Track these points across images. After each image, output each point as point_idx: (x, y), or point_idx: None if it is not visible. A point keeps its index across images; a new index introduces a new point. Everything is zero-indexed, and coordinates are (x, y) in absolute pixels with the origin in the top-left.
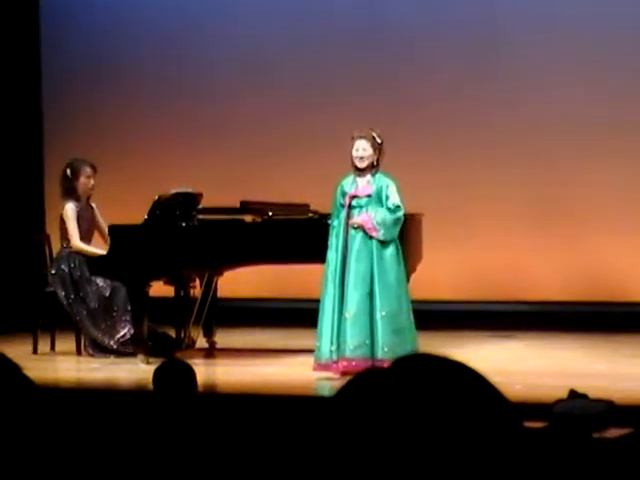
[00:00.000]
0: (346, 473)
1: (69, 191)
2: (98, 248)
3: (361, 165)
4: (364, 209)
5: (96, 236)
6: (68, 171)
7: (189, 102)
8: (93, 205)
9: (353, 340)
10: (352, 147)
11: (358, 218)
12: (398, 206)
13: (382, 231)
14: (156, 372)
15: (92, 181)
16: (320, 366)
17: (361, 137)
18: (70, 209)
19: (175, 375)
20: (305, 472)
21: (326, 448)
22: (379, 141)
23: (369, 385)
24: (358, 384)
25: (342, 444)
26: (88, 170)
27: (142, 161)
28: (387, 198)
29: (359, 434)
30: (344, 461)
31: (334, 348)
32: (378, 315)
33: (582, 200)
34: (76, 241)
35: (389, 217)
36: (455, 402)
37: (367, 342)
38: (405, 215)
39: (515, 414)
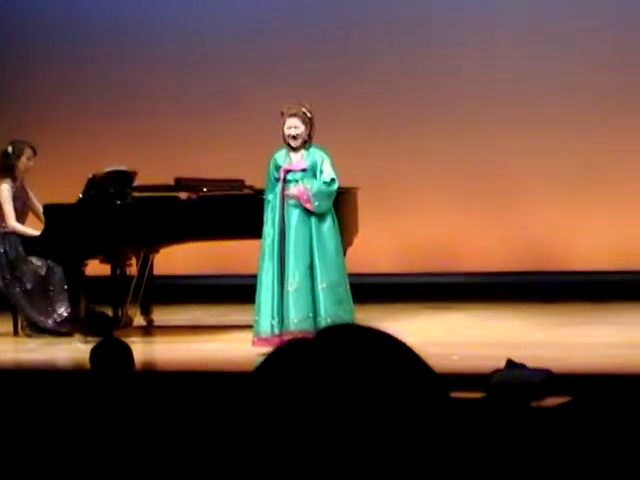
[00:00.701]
0: (270, 447)
1: (6, 169)
2: (33, 229)
3: (295, 144)
4: (299, 183)
5: (30, 217)
6: (10, 149)
7: (122, 80)
8: (28, 189)
9: (297, 313)
10: (283, 124)
11: (294, 190)
12: (333, 179)
13: (317, 203)
14: (93, 351)
15: (31, 163)
16: (260, 340)
17: (292, 114)
18: (5, 189)
19: (112, 354)
20: (232, 447)
21: (250, 422)
22: (310, 115)
23: (292, 356)
24: (281, 356)
25: (265, 417)
26: (30, 151)
27: (76, 140)
28: (322, 172)
29: (281, 406)
30: (267, 435)
31: (275, 322)
32: (319, 287)
33: (518, 170)
34: (12, 221)
35: (324, 189)
36: (380, 372)
37: (310, 315)
38: (341, 189)
39: (440, 385)
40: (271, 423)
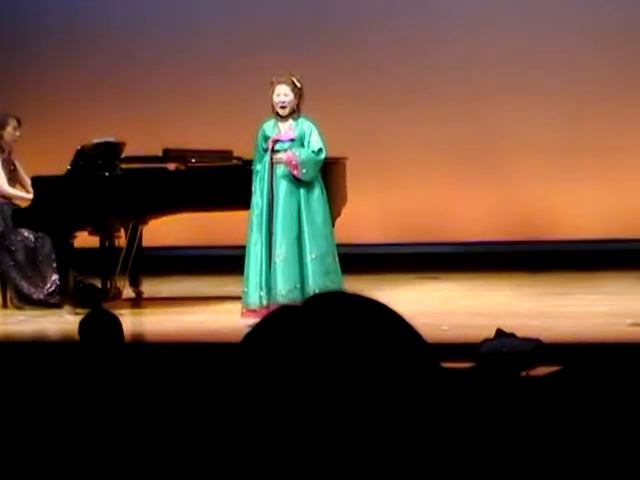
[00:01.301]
0: (260, 417)
1: None
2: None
3: (283, 112)
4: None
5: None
6: None
7: (109, 52)
8: (15, 160)
9: (285, 285)
10: (272, 92)
11: (283, 155)
12: (320, 149)
13: (304, 170)
14: (81, 323)
15: (17, 133)
16: (249, 312)
17: (281, 82)
18: None
19: (101, 325)
20: (223, 419)
21: (239, 392)
22: (299, 85)
23: (280, 324)
24: (269, 324)
25: (254, 386)
26: (14, 122)
27: (63, 112)
28: (309, 142)
29: (270, 374)
30: (257, 404)
31: (263, 293)
32: (308, 258)
33: (506, 141)
34: (5, 187)
35: (312, 158)
36: (368, 339)
37: (298, 286)
38: (329, 159)
39: (431, 353)
40: (260, 392)
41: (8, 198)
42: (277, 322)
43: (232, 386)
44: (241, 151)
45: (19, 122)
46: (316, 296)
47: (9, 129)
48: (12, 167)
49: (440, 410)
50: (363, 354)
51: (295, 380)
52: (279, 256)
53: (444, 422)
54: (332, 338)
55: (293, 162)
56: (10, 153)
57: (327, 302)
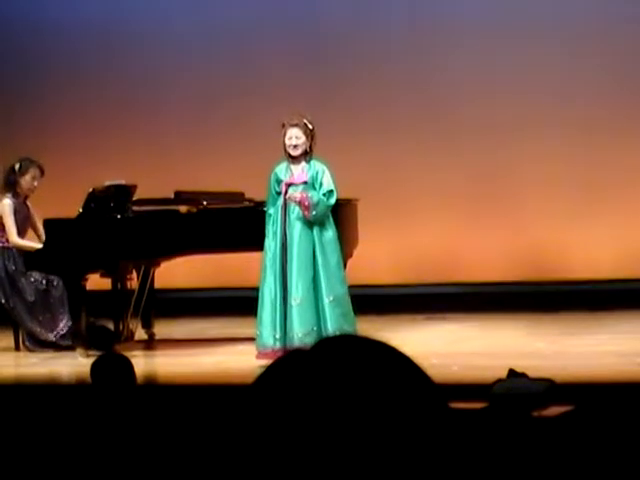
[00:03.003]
0: (270, 458)
1: (9, 185)
2: (35, 242)
3: (295, 153)
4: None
5: (30, 232)
6: (17, 166)
7: (121, 93)
8: (30, 206)
9: (301, 327)
10: (284, 135)
11: (297, 193)
12: (331, 191)
13: (314, 212)
14: (93, 366)
15: (36, 183)
16: (262, 354)
17: (293, 125)
18: (7, 205)
19: (112, 368)
20: (234, 460)
21: (249, 434)
22: (311, 127)
23: (291, 367)
24: (280, 367)
25: (264, 429)
26: (37, 171)
27: (75, 154)
28: (321, 185)
29: (281, 418)
30: (267, 447)
31: (278, 336)
32: (326, 300)
33: (516, 179)
34: (14, 236)
35: (323, 202)
36: (378, 382)
37: (315, 329)
38: (340, 200)
39: (439, 394)
40: (270, 435)
41: None
42: (287, 365)
43: (243, 429)
44: (253, 193)
45: (42, 171)
46: (325, 339)
47: (27, 177)
48: (26, 211)
49: (449, 451)
50: (372, 397)
51: (305, 423)
52: (296, 299)
53: (454, 462)
54: (341, 381)
55: (306, 203)
56: (26, 199)
57: (336, 345)
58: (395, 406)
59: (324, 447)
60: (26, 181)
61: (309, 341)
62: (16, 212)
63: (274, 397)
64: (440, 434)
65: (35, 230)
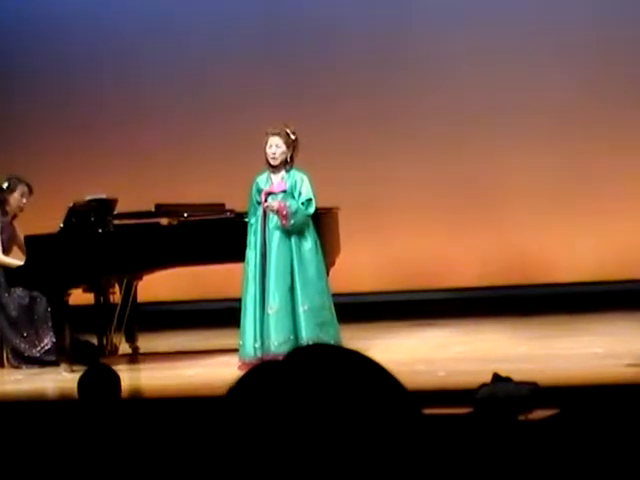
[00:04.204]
0: (244, 469)
1: None
2: (20, 260)
3: (274, 162)
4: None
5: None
6: (5, 184)
7: (101, 108)
8: (16, 226)
9: (278, 336)
10: (265, 143)
11: (274, 202)
12: (310, 200)
13: (292, 221)
14: (81, 379)
15: (24, 200)
16: (245, 364)
17: (274, 134)
18: None
19: (100, 381)
20: (211, 471)
21: (222, 445)
22: (293, 137)
23: (262, 379)
24: (251, 378)
25: (237, 440)
26: (24, 189)
27: (55, 169)
28: (300, 194)
29: (253, 429)
30: (240, 457)
31: (258, 345)
32: (300, 309)
33: (497, 185)
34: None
35: (301, 211)
36: (350, 391)
37: (291, 337)
38: (321, 209)
39: (412, 402)
40: (242, 446)
41: None
42: (259, 376)
43: (215, 440)
44: (235, 204)
45: (30, 189)
46: (298, 349)
47: (16, 195)
48: (11, 230)
49: (424, 457)
50: (344, 406)
51: (276, 433)
52: (272, 308)
53: (430, 469)
54: (313, 391)
55: (284, 212)
56: (14, 218)
57: (308, 355)
58: (367, 414)
59: (296, 457)
60: (15, 199)
61: (286, 349)
62: (2, 230)
63: (245, 408)
64: (413, 441)
65: (20, 248)
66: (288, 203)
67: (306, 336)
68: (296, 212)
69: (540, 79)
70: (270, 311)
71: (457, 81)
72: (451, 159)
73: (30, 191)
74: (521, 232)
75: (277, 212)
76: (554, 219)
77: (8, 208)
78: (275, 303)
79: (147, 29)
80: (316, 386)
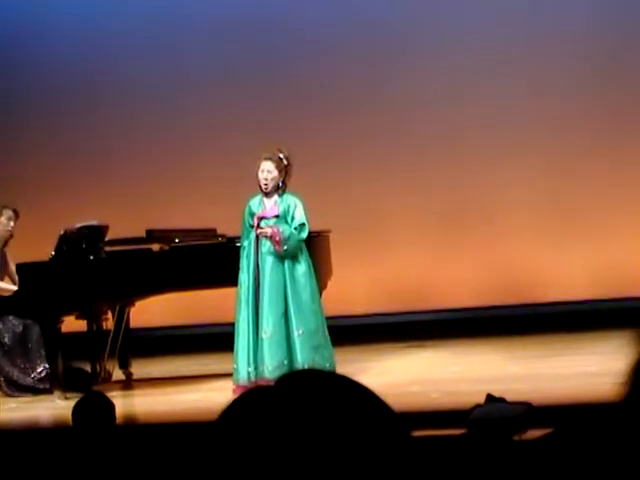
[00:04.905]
0: None
1: None
2: (12, 285)
3: (265, 189)
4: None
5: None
6: None
7: (92, 136)
8: (6, 252)
9: (272, 361)
10: (258, 168)
11: (267, 228)
12: (303, 224)
13: (285, 247)
14: (75, 407)
15: (12, 224)
16: (239, 388)
17: (266, 158)
18: None
19: (94, 408)
20: None
21: (213, 471)
22: (285, 162)
23: (252, 404)
24: (241, 404)
25: (229, 464)
26: (10, 213)
27: (45, 197)
28: (293, 218)
29: (243, 454)
30: None
31: (251, 369)
32: (295, 334)
33: (489, 205)
34: None
35: (295, 236)
36: (338, 416)
37: (285, 362)
38: (313, 233)
39: (401, 425)
40: (234, 471)
41: None
42: (250, 401)
43: (207, 466)
44: (226, 229)
45: (16, 214)
46: (288, 375)
47: (3, 220)
48: (2, 258)
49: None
50: (334, 431)
51: (267, 457)
52: (266, 332)
53: None
54: (303, 416)
55: (277, 238)
56: (5, 245)
57: (299, 380)
58: (357, 439)
59: None
60: (2, 224)
61: (280, 374)
62: None
63: (236, 434)
64: (403, 464)
65: (11, 277)
66: (281, 229)
67: (302, 360)
68: (289, 237)
69: (533, 94)
70: (264, 335)
71: (449, 99)
72: (442, 180)
73: (16, 215)
74: (513, 251)
75: (270, 238)
76: (546, 238)
77: None
78: (269, 328)
79: (142, 49)
80: (306, 411)
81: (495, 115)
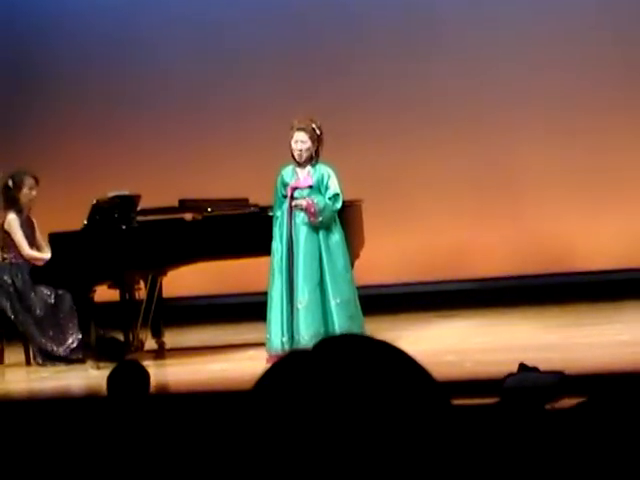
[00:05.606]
0: (274, 461)
1: (11, 202)
2: (46, 254)
3: (300, 159)
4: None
5: None
6: (10, 182)
7: (121, 105)
8: (33, 220)
9: (308, 330)
10: (291, 138)
11: (302, 201)
12: (337, 194)
13: (320, 218)
14: (110, 375)
15: (34, 192)
16: (272, 357)
17: (300, 129)
18: (14, 219)
19: (129, 377)
20: (240, 465)
21: (253, 438)
22: (318, 132)
23: (291, 368)
24: (280, 368)
25: (267, 431)
26: (31, 181)
27: (78, 166)
28: (327, 188)
29: (282, 419)
30: (270, 449)
31: (285, 339)
32: (332, 303)
33: (521, 175)
34: (27, 250)
35: (329, 207)
36: (380, 382)
37: (322, 331)
38: (345, 202)
39: (442, 393)
40: (272, 437)
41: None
42: (287, 367)
43: (245, 432)
44: (259, 198)
45: (36, 180)
46: (326, 339)
47: (25, 190)
48: (31, 226)
49: (453, 449)
50: (373, 396)
51: (306, 423)
52: (301, 302)
53: (459, 460)
54: (342, 381)
55: (312, 210)
56: (29, 212)
57: (337, 345)
58: (397, 405)
59: (326, 447)
60: (24, 194)
61: None
62: (22, 226)
63: (275, 398)
64: (443, 432)
65: (38, 246)
66: (316, 200)
67: (339, 329)
68: (324, 209)
69: (559, 69)
70: (299, 305)
71: (477, 72)
72: (472, 149)
73: (36, 182)
74: (544, 221)
75: (305, 210)
76: (577, 207)
77: (21, 205)
78: (304, 297)
79: (171, 22)
80: (345, 376)
81: (528, 90)
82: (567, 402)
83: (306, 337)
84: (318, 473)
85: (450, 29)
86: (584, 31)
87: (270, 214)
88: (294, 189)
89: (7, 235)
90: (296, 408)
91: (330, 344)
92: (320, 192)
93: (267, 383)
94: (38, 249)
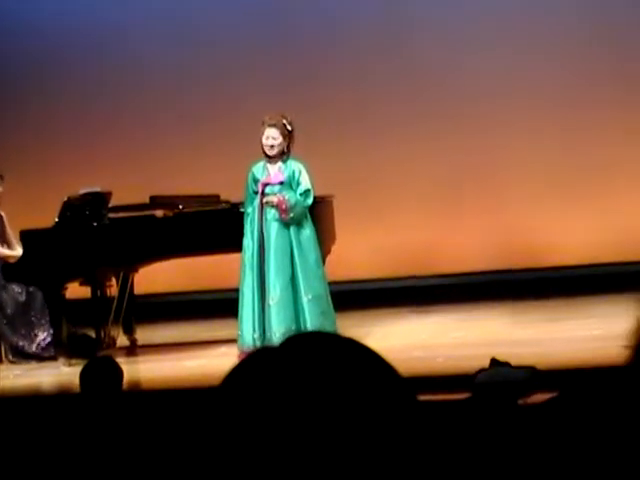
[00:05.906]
0: (241, 457)
1: None
2: (16, 250)
3: (271, 153)
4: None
5: None
6: None
7: (93, 101)
8: (2, 214)
9: (280, 327)
10: (262, 134)
11: (274, 197)
12: (308, 190)
13: (292, 214)
14: (83, 371)
15: (0, 188)
16: (244, 354)
17: (271, 125)
18: None
19: (102, 374)
20: (208, 461)
21: (219, 434)
22: (289, 128)
23: (258, 365)
24: (247, 365)
25: (235, 428)
26: None
27: (49, 163)
28: (298, 184)
29: (249, 415)
30: (237, 445)
31: (257, 335)
32: (304, 299)
33: (492, 170)
34: None
35: (300, 203)
36: (346, 379)
37: (293, 328)
38: (316, 198)
39: (406, 388)
40: (240, 433)
41: None
42: (254, 363)
43: (212, 429)
44: (230, 195)
45: (1, 177)
46: (293, 337)
47: None
48: (0, 224)
49: (419, 445)
50: (339, 393)
51: (272, 420)
52: (273, 299)
53: (426, 456)
54: (309, 378)
55: (283, 206)
56: None
57: (304, 342)
58: (361, 401)
59: (291, 443)
60: None
61: None
62: None
63: (242, 395)
64: (408, 428)
65: (7, 242)
66: (287, 197)
67: (310, 325)
68: (295, 205)
69: (538, 65)
70: (271, 302)
71: (456, 68)
72: (446, 146)
73: (1, 178)
74: (517, 216)
75: (277, 206)
76: (551, 202)
77: None
78: (276, 294)
79: (146, 21)
80: (311, 373)
81: (497, 82)
82: (539, 397)
83: (278, 334)
84: (285, 468)
85: (429, 25)
86: (568, 28)
87: (241, 210)
88: (265, 185)
89: None
90: (262, 404)
91: (297, 341)
92: (291, 188)
93: (234, 380)
94: (8, 246)
